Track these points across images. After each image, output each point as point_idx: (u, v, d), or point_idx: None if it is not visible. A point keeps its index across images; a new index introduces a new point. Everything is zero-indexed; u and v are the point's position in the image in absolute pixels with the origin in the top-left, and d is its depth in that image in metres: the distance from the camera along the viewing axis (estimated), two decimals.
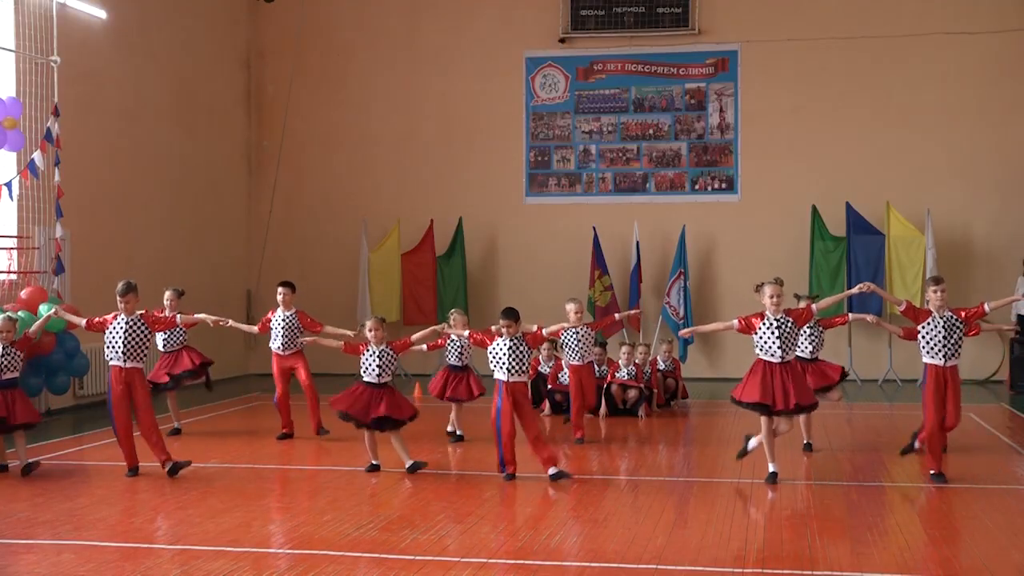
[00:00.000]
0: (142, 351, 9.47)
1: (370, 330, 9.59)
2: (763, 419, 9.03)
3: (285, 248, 18.46)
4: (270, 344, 11.61)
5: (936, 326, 9.02)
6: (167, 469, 9.42)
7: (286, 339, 11.43)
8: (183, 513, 8.24)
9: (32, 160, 12.57)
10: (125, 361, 9.37)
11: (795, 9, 17.44)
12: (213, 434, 11.95)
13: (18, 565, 6.77)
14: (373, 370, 9.47)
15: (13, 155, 12.77)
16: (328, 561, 6.74)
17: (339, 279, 17.97)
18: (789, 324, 8.88)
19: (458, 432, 11.39)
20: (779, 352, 8.83)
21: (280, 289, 11.55)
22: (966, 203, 16.81)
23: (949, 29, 16.87)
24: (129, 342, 9.37)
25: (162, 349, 11.67)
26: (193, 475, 9.65)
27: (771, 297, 8.91)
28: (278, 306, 11.54)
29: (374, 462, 9.64)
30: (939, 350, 9.01)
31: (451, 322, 10.88)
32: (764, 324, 8.89)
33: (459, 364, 11.28)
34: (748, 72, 17.51)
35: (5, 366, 9.48)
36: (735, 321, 9.07)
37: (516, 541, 7.23)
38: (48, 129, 12.84)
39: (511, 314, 9.22)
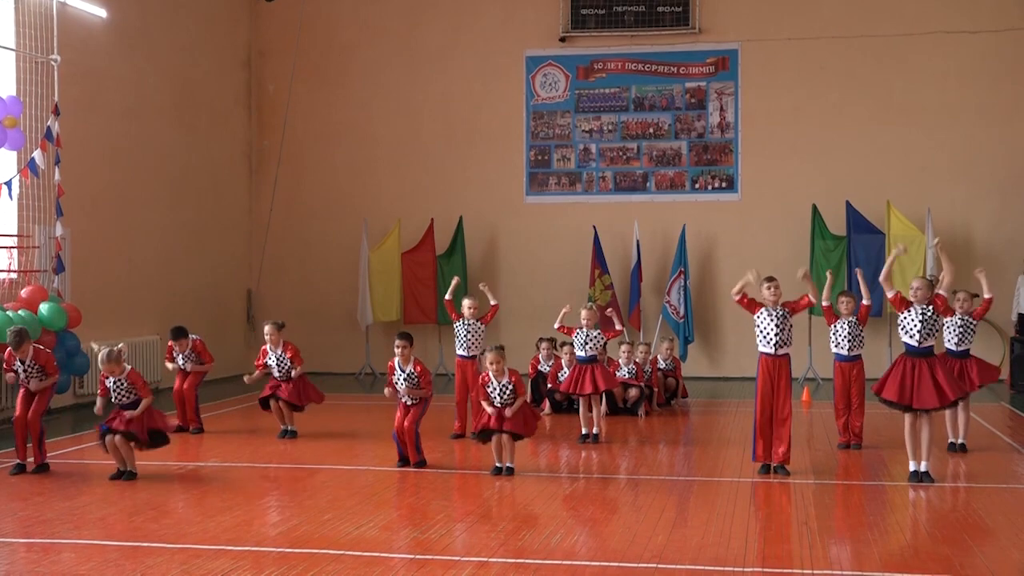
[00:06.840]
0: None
1: (491, 363, 9.35)
2: (906, 415, 9.14)
3: (285, 248, 18.46)
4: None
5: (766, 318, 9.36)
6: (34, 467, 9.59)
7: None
8: (183, 512, 8.26)
9: (32, 159, 12.56)
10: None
11: (795, 9, 17.43)
12: (213, 434, 11.94)
13: (18, 565, 6.77)
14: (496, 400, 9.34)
15: (13, 154, 12.76)
16: (328, 560, 6.74)
17: (339, 279, 17.97)
18: (930, 312, 9.04)
19: (593, 431, 11.23)
20: (917, 336, 9.00)
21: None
22: (967, 202, 16.81)
23: (949, 28, 16.87)
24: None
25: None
26: (193, 475, 9.67)
27: (914, 290, 9.15)
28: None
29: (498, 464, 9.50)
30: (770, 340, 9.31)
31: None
32: (910, 312, 9.09)
33: (586, 356, 11.27)
34: (748, 71, 17.50)
35: None
36: (892, 294, 9.23)
37: (516, 541, 7.23)
38: (48, 128, 12.83)
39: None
